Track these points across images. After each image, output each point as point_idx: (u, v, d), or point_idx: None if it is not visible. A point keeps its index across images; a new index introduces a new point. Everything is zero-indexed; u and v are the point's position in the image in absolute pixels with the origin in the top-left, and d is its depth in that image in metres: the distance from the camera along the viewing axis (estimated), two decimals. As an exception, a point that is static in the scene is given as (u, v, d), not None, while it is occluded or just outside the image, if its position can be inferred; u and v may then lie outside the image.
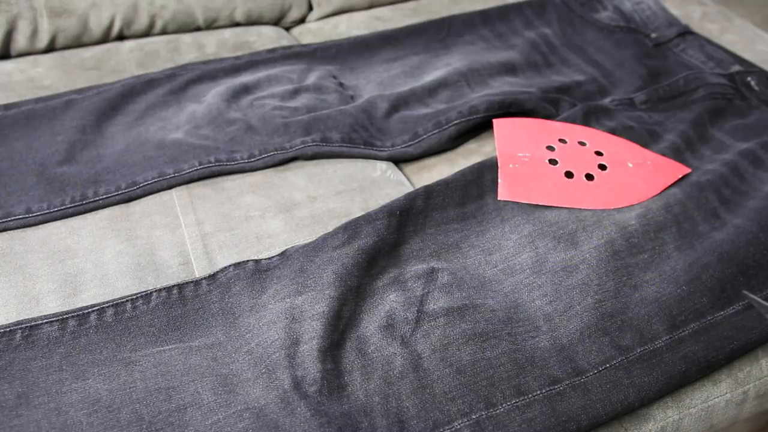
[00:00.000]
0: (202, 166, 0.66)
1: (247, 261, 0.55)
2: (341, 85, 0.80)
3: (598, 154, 0.67)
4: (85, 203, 0.63)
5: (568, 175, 0.65)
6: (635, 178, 0.64)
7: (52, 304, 0.53)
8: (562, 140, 0.69)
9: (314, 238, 0.57)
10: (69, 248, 0.58)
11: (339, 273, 0.52)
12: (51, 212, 0.61)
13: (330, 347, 0.48)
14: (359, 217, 0.57)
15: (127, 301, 0.52)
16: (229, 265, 0.55)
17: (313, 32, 0.97)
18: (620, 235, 0.57)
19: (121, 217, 0.62)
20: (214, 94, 0.75)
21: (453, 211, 0.61)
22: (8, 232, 0.60)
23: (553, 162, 0.66)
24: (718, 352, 0.51)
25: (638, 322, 0.51)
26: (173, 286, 0.53)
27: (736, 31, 0.96)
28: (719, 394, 0.52)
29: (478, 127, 0.74)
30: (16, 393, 0.46)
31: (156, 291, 0.53)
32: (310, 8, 1.02)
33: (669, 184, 0.64)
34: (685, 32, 0.89)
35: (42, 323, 0.50)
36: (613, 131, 0.71)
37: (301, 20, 1.02)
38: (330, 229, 0.58)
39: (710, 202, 0.61)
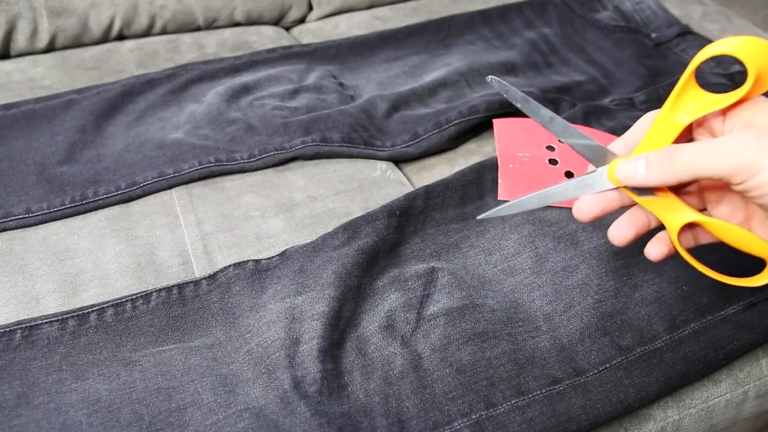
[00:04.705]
0: (202, 166, 0.66)
1: (247, 261, 0.55)
2: (341, 85, 0.80)
3: (598, 154, 0.67)
4: (85, 203, 0.62)
5: (568, 175, 0.65)
6: (635, 178, 0.64)
7: (52, 304, 0.53)
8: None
9: (314, 238, 0.57)
10: (69, 248, 0.58)
11: (339, 273, 0.52)
12: (51, 212, 0.61)
13: (330, 347, 0.48)
14: (359, 217, 0.57)
15: (127, 301, 0.52)
16: (229, 265, 0.55)
17: (313, 32, 0.97)
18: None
19: (121, 217, 0.62)
20: (214, 94, 0.75)
21: (453, 211, 0.61)
22: (8, 232, 0.60)
23: (553, 162, 0.66)
24: (718, 352, 0.50)
25: (638, 321, 0.51)
26: (173, 286, 0.53)
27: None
28: (719, 394, 0.52)
29: (478, 127, 0.74)
30: (16, 393, 0.46)
31: (156, 291, 0.53)
32: (310, 8, 1.02)
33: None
34: (685, 32, 0.89)
35: (42, 323, 0.50)
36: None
37: (301, 20, 1.02)
38: (330, 229, 0.58)
39: None
